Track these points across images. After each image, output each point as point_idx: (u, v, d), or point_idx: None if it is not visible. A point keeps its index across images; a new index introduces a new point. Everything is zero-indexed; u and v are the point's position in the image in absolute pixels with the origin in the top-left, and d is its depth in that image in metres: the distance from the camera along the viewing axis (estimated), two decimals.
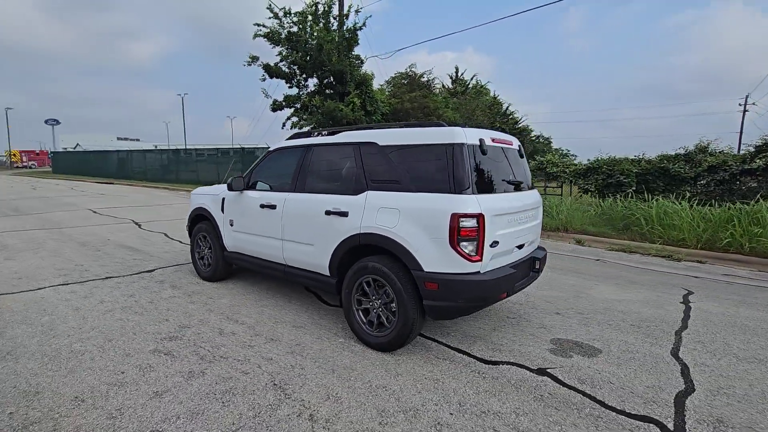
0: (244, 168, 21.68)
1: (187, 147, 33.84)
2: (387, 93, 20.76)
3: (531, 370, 2.93)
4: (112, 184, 24.77)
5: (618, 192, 10.51)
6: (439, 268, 2.83)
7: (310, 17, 15.22)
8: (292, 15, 15.29)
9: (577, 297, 4.64)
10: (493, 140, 3.24)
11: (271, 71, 15.68)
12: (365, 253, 3.26)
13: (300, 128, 16.36)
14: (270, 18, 15.29)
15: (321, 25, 15.20)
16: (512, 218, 3.17)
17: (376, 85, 17.67)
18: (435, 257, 2.84)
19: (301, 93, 16.57)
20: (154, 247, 6.82)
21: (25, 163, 50.30)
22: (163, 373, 2.79)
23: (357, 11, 15.45)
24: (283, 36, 15.35)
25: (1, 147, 62.81)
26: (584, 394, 2.63)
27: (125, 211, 11.31)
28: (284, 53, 15.52)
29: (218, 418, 2.31)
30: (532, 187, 3.84)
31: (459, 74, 29.04)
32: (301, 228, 3.69)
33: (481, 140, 3.05)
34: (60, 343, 3.21)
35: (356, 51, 16.09)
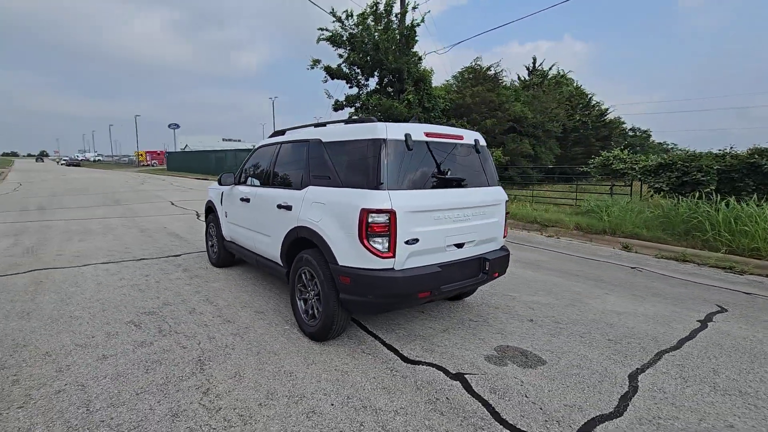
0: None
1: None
2: (454, 89, 20.39)
3: (448, 374, 2.81)
4: (207, 179, 27.98)
5: (695, 191, 9.10)
6: (352, 263, 2.85)
7: (370, 18, 15.60)
8: (354, 17, 15.81)
9: (570, 306, 4.22)
10: (427, 135, 3.14)
11: (332, 73, 16.39)
12: (303, 246, 3.39)
13: None
14: (333, 22, 16.01)
15: (381, 26, 15.50)
16: (443, 215, 3.04)
17: (441, 80, 17.50)
18: (348, 252, 2.87)
19: (360, 92, 17.06)
20: (196, 236, 7.68)
21: (148, 162, 59.18)
22: (122, 340, 3.24)
23: (414, 8, 15.43)
24: (344, 38, 15.96)
25: (133, 148, 74.82)
26: (485, 403, 2.47)
27: (196, 204, 12.81)
28: (345, 55, 16.12)
29: (133, 381, 2.65)
30: (494, 184, 3.61)
31: (536, 65, 27.24)
32: (263, 220, 3.96)
33: (406, 135, 2.98)
34: (67, 309, 3.88)
35: (416, 47, 16.11)
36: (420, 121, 4.00)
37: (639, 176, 10.80)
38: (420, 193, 2.98)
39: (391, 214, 2.75)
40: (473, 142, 3.51)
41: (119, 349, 3.10)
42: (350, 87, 17.11)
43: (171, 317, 3.72)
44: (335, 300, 3.01)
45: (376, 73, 16.53)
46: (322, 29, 16.02)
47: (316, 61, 16.10)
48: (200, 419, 2.28)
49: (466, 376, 2.78)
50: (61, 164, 62.87)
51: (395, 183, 2.88)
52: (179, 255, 6.09)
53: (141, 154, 60.94)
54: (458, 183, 3.25)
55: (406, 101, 15.36)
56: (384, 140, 2.89)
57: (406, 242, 2.84)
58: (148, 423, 2.24)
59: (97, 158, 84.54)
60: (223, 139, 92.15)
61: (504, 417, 2.34)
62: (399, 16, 15.89)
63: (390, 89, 16.82)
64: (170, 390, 2.56)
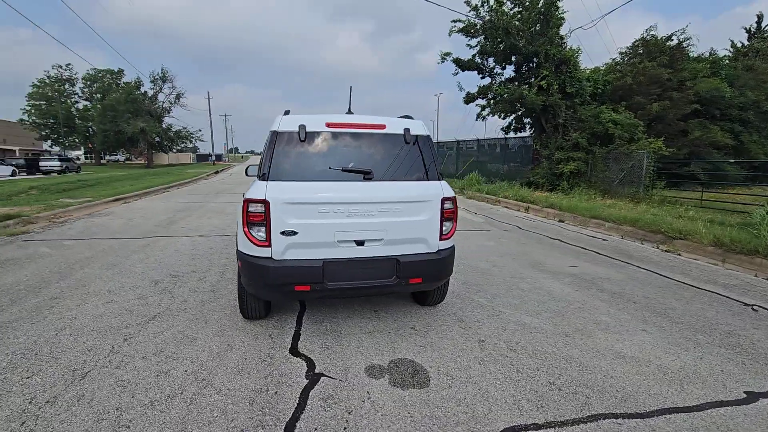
0: (457, 161, 22.88)
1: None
2: (618, 68, 17.15)
3: (309, 372, 2.73)
4: None
5: None
6: (242, 249, 3.03)
7: (507, 2, 14.54)
8: (490, 2, 15.00)
9: (562, 337, 3.37)
10: (329, 126, 3.01)
11: (462, 64, 15.97)
12: None
13: (483, 119, 16.02)
14: (469, 11, 15.54)
15: (518, 6, 14.29)
16: (330, 209, 2.90)
17: (601, 60, 15.06)
18: (241, 238, 3.05)
19: (493, 82, 16.11)
20: None
21: None
22: (138, 294, 4.23)
23: None
24: (478, 27, 15.32)
25: None
26: (300, 406, 2.35)
27: None
28: (477, 43, 15.48)
29: (118, 326, 3.50)
30: (430, 179, 3.18)
31: (762, 26, 20.16)
32: None
33: (300, 127, 2.95)
34: (137, 264, 5.21)
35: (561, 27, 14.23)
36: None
37: None
38: (304, 185, 2.93)
39: (266, 204, 2.82)
40: (401, 132, 3.16)
41: (131, 304, 4.06)
42: (482, 77, 16.36)
43: (194, 284, 4.57)
44: (239, 282, 3.24)
45: (512, 59, 15.34)
46: (455, 21, 15.74)
47: (446, 54, 15.95)
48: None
49: (324, 378, 2.66)
50: None
51: (282, 174, 2.91)
52: None
53: None
54: (364, 176, 3.02)
55: (537, 88, 13.78)
56: (276, 132, 2.96)
57: (282, 233, 2.86)
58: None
59: None
60: None
61: (298, 423, 2.20)
62: None
63: (533, 78, 15.36)
64: (121, 346, 3.29)
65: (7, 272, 4.80)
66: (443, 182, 3.26)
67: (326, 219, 2.91)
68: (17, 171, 27.60)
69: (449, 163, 24.24)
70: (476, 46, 15.48)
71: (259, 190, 2.86)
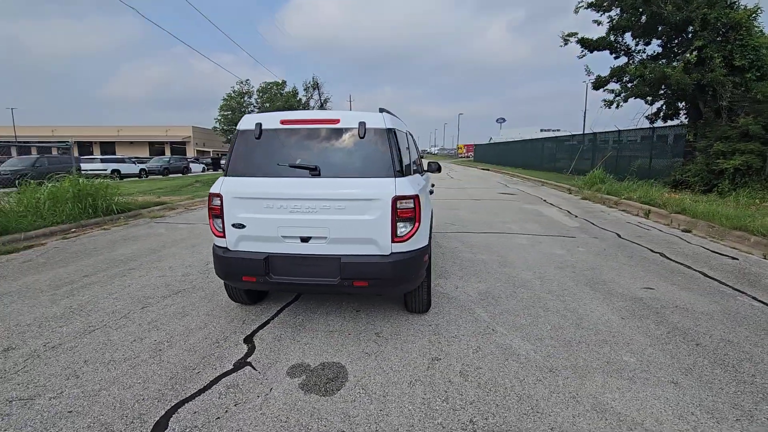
0: (593, 156, 20.02)
1: (559, 135, 34.00)
2: None
3: (233, 366, 2.87)
4: (488, 170, 29.75)
5: None
6: (213, 239, 3.32)
7: None
8: None
9: (543, 372, 2.77)
10: (283, 122, 3.02)
11: (590, 44, 13.86)
12: None
13: (617, 106, 13.59)
14: None
15: None
16: (275, 204, 2.92)
17: None
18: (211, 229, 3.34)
19: (630, 62, 13.57)
20: None
21: (466, 154, 67.63)
22: (184, 272, 5.01)
23: None
24: None
25: (460, 142, 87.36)
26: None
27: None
28: (609, 19, 13.27)
29: (147, 297, 4.27)
30: (384, 175, 2.92)
31: None
32: None
33: (257, 125, 3.06)
34: (209, 247, 6.14)
35: None
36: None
37: None
38: (253, 180, 3.02)
39: (220, 198, 3.03)
40: (356, 126, 2.98)
41: (187, 270, 4.86)
42: (615, 57, 13.93)
43: None
44: None
45: (658, 30, 12.66)
46: None
47: (570, 35, 14.06)
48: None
49: (247, 367, 2.76)
50: None
51: (237, 170, 3.08)
52: None
53: (460, 147, 70.44)
54: (310, 172, 2.96)
55: (685, 63, 11.06)
56: (238, 131, 3.14)
57: (233, 225, 3.03)
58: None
59: (435, 151, 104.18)
60: (541, 130, 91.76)
61: (188, 403, 2.36)
62: None
63: (678, 51, 12.50)
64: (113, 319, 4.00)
65: (123, 246, 6.21)
66: (403, 179, 2.97)
67: (270, 214, 2.98)
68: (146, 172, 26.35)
69: (583, 158, 21.38)
70: (608, 21, 13.25)
71: (217, 184, 3.10)
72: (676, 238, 6.79)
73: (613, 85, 14.00)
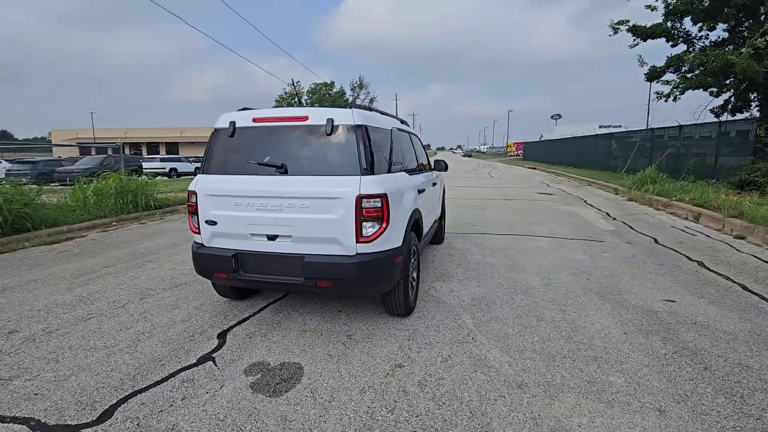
0: (651, 153, 18.45)
1: (615, 131, 31.63)
2: None
3: (198, 361, 2.92)
4: (534, 169, 28.45)
5: None
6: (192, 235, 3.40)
7: None
8: None
9: (508, 388, 2.56)
10: (255, 120, 3.02)
11: (643, 32, 12.74)
12: None
13: (675, 98, 12.37)
14: None
15: None
16: (243, 202, 2.93)
17: None
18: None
19: (690, 49, 12.31)
20: None
21: (516, 152, 65.13)
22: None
23: None
24: None
25: (511, 140, 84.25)
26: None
27: (462, 190, 14.11)
28: (664, 3, 12.12)
29: (149, 288, 4.51)
30: (349, 173, 2.83)
31: None
32: None
33: (231, 123, 3.08)
34: None
35: None
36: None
37: None
38: (224, 177, 3.05)
39: (195, 195, 3.10)
40: (323, 123, 2.91)
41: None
42: (673, 46, 12.70)
43: None
44: None
45: (723, 12, 11.39)
46: None
47: (620, 23, 13.00)
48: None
49: (209, 362, 2.80)
50: (455, 152, 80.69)
51: (211, 168, 3.13)
52: None
53: (510, 146, 67.98)
54: (277, 169, 2.93)
55: (755, 49, 9.81)
56: (215, 129, 3.19)
57: (206, 222, 3.09)
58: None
59: (485, 149, 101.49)
60: (600, 126, 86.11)
61: (141, 394, 2.43)
62: None
63: (749, 36, 11.15)
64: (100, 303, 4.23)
65: (150, 240, 6.62)
66: (370, 177, 2.86)
67: (239, 211, 2.99)
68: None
69: (641, 156, 19.75)
70: (664, 6, 12.10)
71: (193, 182, 3.18)
72: (725, 245, 6.04)
73: (670, 76, 12.79)
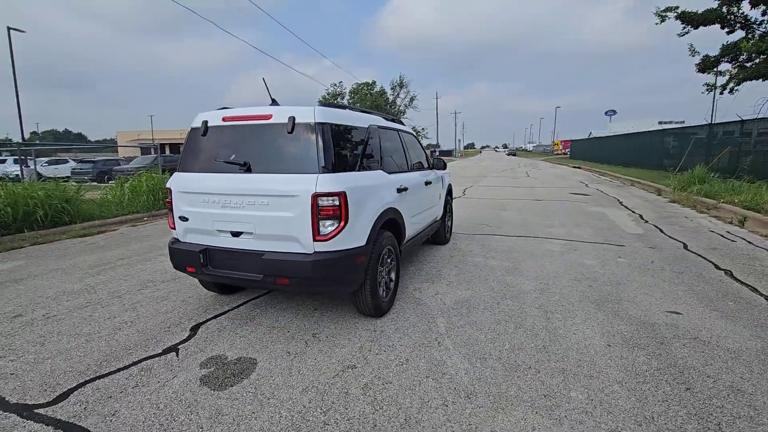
0: (708, 150, 16.91)
1: (669, 127, 29.14)
2: None
3: (157, 351, 3.03)
4: (578, 168, 27.04)
5: None
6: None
7: None
8: None
9: (442, 398, 2.45)
10: (224, 119, 3.08)
11: (694, 19, 11.68)
12: None
13: (731, 90, 11.24)
14: None
15: None
16: (209, 199, 3.01)
17: None
18: None
19: (749, 36, 11.13)
20: None
21: (563, 150, 62.05)
22: None
23: None
24: None
25: (558, 137, 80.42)
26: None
27: (484, 191, 13.68)
28: None
29: (149, 280, 4.77)
30: (308, 171, 2.81)
31: None
32: None
33: (203, 122, 3.17)
34: None
35: None
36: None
37: None
38: (195, 175, 3.14)
39: (170, 192, 3.24)
40: (286, 121, 2.90)
41: None
42: (729, 32, 11.54)
43: None
44: None
45: None
46: None
47: (667, 10, 12.01)
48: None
49: (171, 353, 2.90)
50: (497, 151, 78.34)
51: (186, 166, 3.24)
52: None
53: (556, 144, 64.96)
54: (240, 167, 2.98)
55: None
56: (191, 128, 3.30)
57: (180, 218, 3.20)
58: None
59: (531, 148, 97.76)
60: (660, 122, 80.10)
61: (97, 381, 2.57)
62: None
63: None
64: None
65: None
66: (327, 175, 2.82)
67: (207, 208, 3.08)
68: None
69: (696, 153, 18.15)
70: None
71: (170, 179, 3.31)
72: (766, 252, 5.40)
73: (726, 66, 11.65)
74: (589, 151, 38.01)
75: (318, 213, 2.78)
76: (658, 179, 14.83)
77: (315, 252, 2.85)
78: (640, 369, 2.65)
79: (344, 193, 2.82)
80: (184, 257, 3.22)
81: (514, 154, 78.99)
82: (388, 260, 3.56)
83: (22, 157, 22.29)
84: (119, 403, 2.33)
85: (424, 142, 73.12)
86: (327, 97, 58.01)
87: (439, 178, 5.45)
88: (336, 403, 2.32)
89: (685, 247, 5.75)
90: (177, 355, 2.87)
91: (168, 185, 3.32)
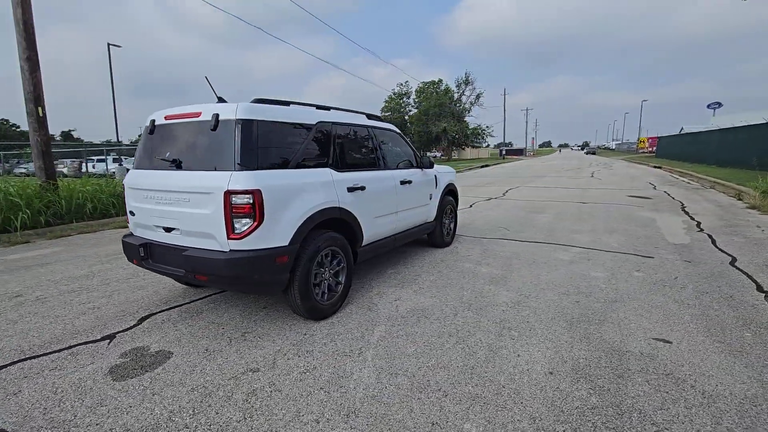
0: None
1: None
2: None
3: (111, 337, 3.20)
4: (659, 168, 24.16)
5: None
6: None
7: None
8: None
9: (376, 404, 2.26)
10: (166, 118, 3.16)
11: None
12: None
13: None
14: None
15: None
16: (148, 195, 3.11)
17: None
18: None
19: None
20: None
21: (649, 148, 55.71)
22: None
23: None
24: None
25: (645, 134, 72.36)
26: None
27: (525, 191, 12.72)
28: None
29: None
30: (226, 168, 2.77)
31: None
32: None
33: (151, 121, 3.29)
34: None
35: None
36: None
37: None
38: (141, 172, 3.27)
39: (123, 188, 3.42)
40: (210, 119, 2.89)
41: None
42: None
43: None
44: None
45: None
46: None
47: None
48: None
49: (106, 340, 3.06)
50: (573, 150, 72.83)
51: (137, 163, 3.40)
52: None
53: (642, 141, 58.59)
54: (171, 164, 3.03)
55: None
56: (145, 127, 3.45)
57: (129, 212, 3.37)
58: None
59: (614, 146, 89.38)
60: None
61: (34, 360, 2.79)
62: None
63: None
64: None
65: None
66: (242, 173, 2.74)
67: (147, 204, 3.19)
68: None
69: None
70: None
71: (126, 176, 3.50)
72: None
73: None
74: (679, 149, 33.73)
75: (231, 211, 2.74)
76: (748, 181, 12.65)
77: (230, 250, 2.82)
78: (570, 406, 2.22)
79: (259, 191, 2.75)
80: (130, 250, 3.39)
81: (594, 153, 73.04)
82: (333, 262, 3.42)
83: (116, 156, 25.57)
84: (27, 384, 2.49)
85: (491, 141, 70.28)
86: (393, 97, 58.45)
87: (431, 178, 5.14)
88: (210, 407, 2.26)
89: (733, 262, 4.79)
90: (109, 343, 3.01)
91: (123, 181, 3.52)
